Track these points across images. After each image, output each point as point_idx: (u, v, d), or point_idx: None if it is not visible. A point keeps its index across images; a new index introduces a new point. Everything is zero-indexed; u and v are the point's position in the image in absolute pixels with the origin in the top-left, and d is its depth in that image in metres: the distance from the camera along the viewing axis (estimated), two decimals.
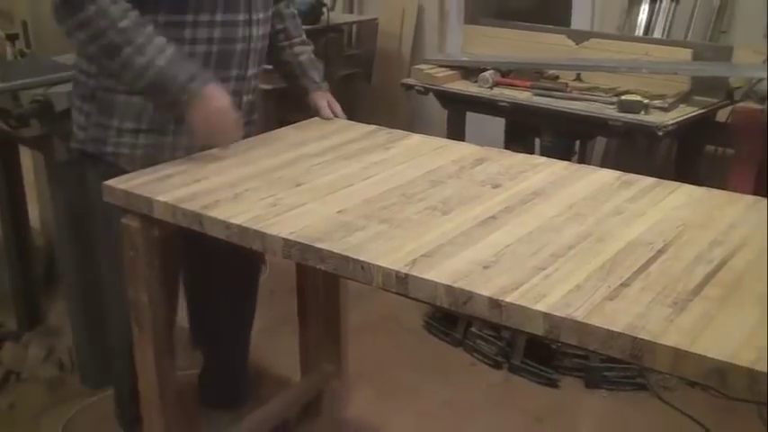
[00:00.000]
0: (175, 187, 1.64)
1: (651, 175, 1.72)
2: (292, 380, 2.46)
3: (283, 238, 1.40)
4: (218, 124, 1.78)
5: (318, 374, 2.38)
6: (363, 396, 2.52)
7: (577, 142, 2.97)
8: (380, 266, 1.29)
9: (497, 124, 3.17)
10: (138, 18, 1.71)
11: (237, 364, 2.41)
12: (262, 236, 1.43)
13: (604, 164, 3.31)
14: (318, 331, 2.34)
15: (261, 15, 1.91)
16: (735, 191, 1.71)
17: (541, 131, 2.88)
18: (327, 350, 2.36)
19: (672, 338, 1.05)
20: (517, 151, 1.94)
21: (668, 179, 1.70)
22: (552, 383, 2.59)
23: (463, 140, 2.84)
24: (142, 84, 1.72)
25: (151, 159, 1.82)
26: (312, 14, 3.90)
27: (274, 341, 2.47)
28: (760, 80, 2.52)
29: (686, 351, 1.02)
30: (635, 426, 2.40)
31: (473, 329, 2.78)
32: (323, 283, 2.27)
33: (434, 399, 2.52)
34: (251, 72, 1.94)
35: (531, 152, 2.97)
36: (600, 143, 3.42)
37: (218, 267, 2.18)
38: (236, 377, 2.41)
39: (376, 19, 4.48)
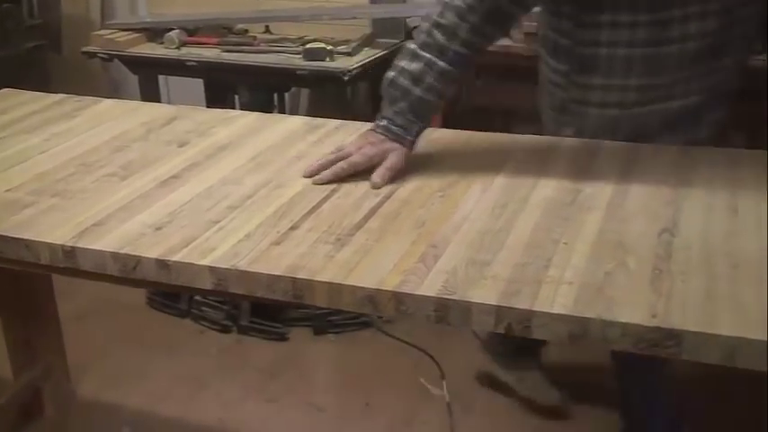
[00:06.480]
0: None
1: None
2: (4, 381, 2.24)
3: None
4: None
5: (34, 371, 2.21)
6: (89, 387, 2.38)
7: (276, 95, 2.98)
8: (45, 242, 1.23)
9: (198, 86, 3.11)
10: (458, 51, 1.43)
11: None
12: None
13: (309, 114, 3.33)
14: (27, 326, 2.17)
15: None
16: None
17: (237, 88, 2.86)
18: (41, 344, 2.21)
19: (328, 274, 1.09)
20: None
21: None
22: (282, 337, 2.61)
23: None
24: (386, 82, 1.47)
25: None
26: None
27: None
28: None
29: (340, 284, 1.07)
30: (364, 362, 2.48)
31: (198, 298, 2.69)
32: (24, 275, 2.05)
33: (164, 375, 2.44)
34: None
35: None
36: (304, 94, 3.43)
37: None
38: None
39: None
